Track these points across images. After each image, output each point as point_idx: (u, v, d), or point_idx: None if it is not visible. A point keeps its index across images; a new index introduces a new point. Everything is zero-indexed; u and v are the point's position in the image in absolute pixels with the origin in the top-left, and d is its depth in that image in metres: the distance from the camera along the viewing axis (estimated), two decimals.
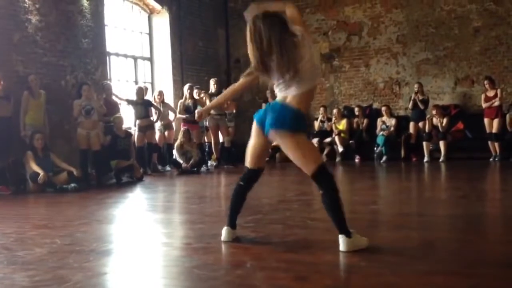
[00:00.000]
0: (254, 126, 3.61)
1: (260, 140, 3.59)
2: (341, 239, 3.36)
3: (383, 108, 11.76)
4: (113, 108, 9.75)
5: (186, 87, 11.05)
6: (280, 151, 11.64)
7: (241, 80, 3.91)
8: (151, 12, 12.31)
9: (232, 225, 3.81)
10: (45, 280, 2.98)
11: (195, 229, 4.47)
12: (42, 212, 6.21)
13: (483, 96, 10.64)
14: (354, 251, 3.32)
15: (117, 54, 11.29)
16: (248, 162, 3.70)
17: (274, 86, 3.56)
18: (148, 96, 10.98)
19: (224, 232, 3.79)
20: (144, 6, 12.15)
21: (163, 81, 12.22)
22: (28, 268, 3.24)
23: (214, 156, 11.34)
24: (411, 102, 11.33)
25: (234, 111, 12.16)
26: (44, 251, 3.72)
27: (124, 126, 9.69)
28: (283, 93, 3.48)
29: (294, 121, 3.39)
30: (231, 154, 11.21)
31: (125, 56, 11.61)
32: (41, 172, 7.76)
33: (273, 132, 3.42)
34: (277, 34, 3.37)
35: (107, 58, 10.73)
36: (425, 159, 10.78)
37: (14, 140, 8.18)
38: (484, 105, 10.56)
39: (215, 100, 4.75)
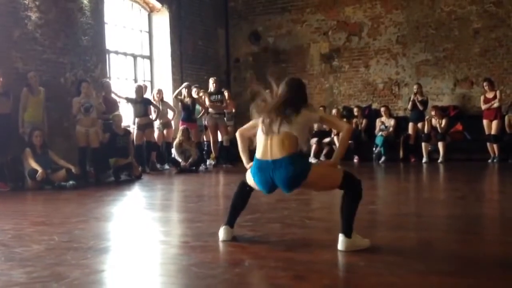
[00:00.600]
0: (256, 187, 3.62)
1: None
2: (341, 238, 3.38)
3: (382, 109, 11.76)
4: (112, 106, 9.74)
5: (184, 85, 11.06)
6: None
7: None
8: (151, 10, 12.30)
9: (231, 224, 3.81)
10: (43, 276, 2.98)
11: (193, 227, 4.47)
12: (40, 209, 6.20)
13: (482, 98, 10.64)
14: (353, 250, 3.32)
15: (116, 52, 11.28)
16: (249, 184, 3.73)
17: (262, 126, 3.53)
18: (147, 95, 10.97)
19: (223, 231, 3.79)
20: (144, 4, 12.14)
21: (162, 79, 12.21)
22: (26, 265, 3.24)
23: (213, 155, 11.34)
24: (410, 103, 11.33)
25: (233, 110, 12.16)
26: (42, 248, 3.71)
27: (123, 124, 9.68)
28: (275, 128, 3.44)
29: (303, 165, 3.44)
30: (230, 153, 11.19)
31: (125, 54, 11.59)
32: (40, 169, 7.75)
33: (308, 179, 3.43)
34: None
35: (107, 56, 10.72)
36: (424, 160, 10.78)
37: (13, 137, 8.17)
38: (483, 106, 10.56)
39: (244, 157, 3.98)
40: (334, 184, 3.50)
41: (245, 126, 3.86)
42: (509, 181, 8.02)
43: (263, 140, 3.48)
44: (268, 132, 3.45)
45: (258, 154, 3.51)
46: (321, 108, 10.48)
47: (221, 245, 3.70)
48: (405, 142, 11.25)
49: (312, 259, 3.24)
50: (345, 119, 12.03)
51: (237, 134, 3.92)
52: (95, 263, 3.30)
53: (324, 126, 12.05)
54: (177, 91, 11.13)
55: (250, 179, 3.67)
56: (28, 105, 8.31)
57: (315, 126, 12.10)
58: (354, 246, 3.36)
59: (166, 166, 10.87)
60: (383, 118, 11.65)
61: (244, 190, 3.79)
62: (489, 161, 10.34)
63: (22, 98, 8.27)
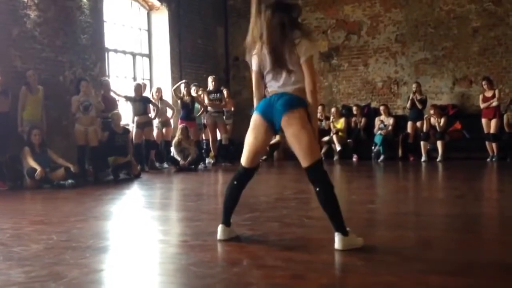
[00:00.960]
0: (257, 118, 3.55)
1: (261, 135, 3.55)
2: (337, 237, 3.36)
3: (381, 107, 11.77)
4: (111, 104, 9.73)
5: (182, 81, 11.05)
6: (278, 150, 11.71)
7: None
8: (150, 8, 12.29)
9: (226, 222, 3.78)
10: (41, 276, 2.98)
11: (192, 226, 4.47)
12: (39, 208, 6.20)
13: (481, 97, 10.65)
14: (351, 250, 3.32)
15: (115, 51, 11.27)
16: (244, 160, 3.65)
17: (268, 80, 3.55)
18: (147, 93, 10.97)
19: (219, 230, 3.78)
20: (143, 3, 12.12)
21: (161, 78, 12.20)
22: (24, 264, 3.24)
23: (212, 153, 11.34)
24: (409, 101, 11.34)
25: (232, 108, 12.16)
26: (41, 247, 3.71)
27: (122, 122, 9.68)
28: (280, 88, 3.48)
29: (304, 103, 3.42)
30: (229, 152, 11.20)
31: (124, 52, 11.58)
32: (38, 168, 7.74)
33: (288, 114, 3.38)
34: (284, 29, 3.40)
35: (106, 54, 10.71)
36: (423, 158, 10.79)
37: (11, 136, 8.16)
38: (482, 105, 10.57)
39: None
40: (311, 155, 3.38)
41: (255, 66, 3.65)
42: (508, 180, 8.03)
43: (272, 80, 3.52)
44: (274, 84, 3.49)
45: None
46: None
47: (219, 244, 3.69)
48: (404, 141, 11.26)
49: (311, 259, 3.24)
50: (344, 118, 12.05)
51: (253, 74, 3.69)
52: (93, 263, 3.30)
53: (323, 124, 12.08)
54: (175, 86, 11.10)
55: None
56: (26, 103, 8.31)
57: None
58: (351, 245, 3.35)
59: (165, 165, 10.87)
60: (382, 117, 11.66)
61: (233, 186, 3.73)
62: (488, 159, 10.35)
63: (20, 97, 8.27)
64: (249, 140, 3.60)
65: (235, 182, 3.72)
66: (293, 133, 3.40)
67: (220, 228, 3.78)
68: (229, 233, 3.77)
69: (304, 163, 3.41)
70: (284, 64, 3.41)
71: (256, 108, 3.59)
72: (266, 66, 3.52)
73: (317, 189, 3.40)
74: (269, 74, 3.53)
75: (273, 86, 3.54)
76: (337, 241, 3.35)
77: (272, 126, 3.51)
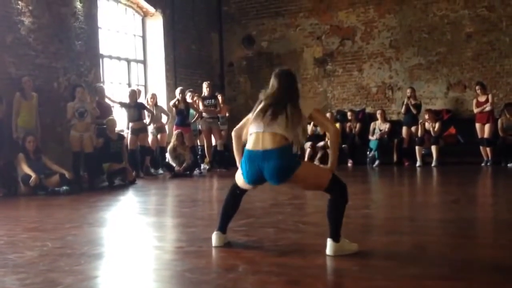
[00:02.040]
0: (244, 182, 3.65)
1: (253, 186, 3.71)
2: (329, 243, 3.40)
3: (378, 112, 11.78)
4: (106, 110, 9.71)
5: (178, 90, 11.03)
6: None
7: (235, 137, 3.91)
8: (144, 15, 12.30)
9: (223, 230, 3.79)
10: (36, 283, 2.97)
11: (187, 232, 4.46)
12: (33, 215, 6.17)
13: (474, 102, 10.69)
14: (346, 255, 3.33)
15: (110, 57, 11.26)
16: (240, 186, 3.75)
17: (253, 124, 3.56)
18: (141, 99, 10.96)
19: (214, 237, 3.78)
20: (137, 9, 12.14)
21: (156, 84, 12.20)
22: (19, 271, 3.22)
23: (207, 159, 11.33)
24: (403, 106, 11.37)
25: (226, 114, 12.16)
26: (35, 254, 3.70)
27: (117, 129, 9.66)
28: (266, 129, 3.47)
29: (293, 159, 3.45)
30: (224, 158, 11.19)
31: (118, 58, 11.58)
32: (33, 175, 7.72)
33: (286, 183, 3.51)
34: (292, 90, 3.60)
35: (100, 60, 10.70)
36: (418, 163, 10.81)
37: (6, 142, 8.13)
38: (475, 110, 10.62)
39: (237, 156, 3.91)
40: (321, 184, 3.50)
41: (239, 125, 3.85)
42: (502, 184, 8.06)
43: (255, 133, 3.51)
44: (259, 126, 3.48)
45: (249, 146, 3.53)
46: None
47: (215, 250, 3.69)
48: (399, 146, 11.28)
49: (306, 264, 3.24)
50: (339, 123, 12.07)
51: (233, 134, 3.90)
52: (88, 269, 3.29)
53: (319, 130, 12.10)
54: (173, 101, 10.99)
55: (239, 177, 3.68)
56: (21, 110, 8.28)
57: (309, 129, 12.15)
58: (342, 251, 3.38)
59: (160, 171, 10.86)
60: (378, 122, 11.68)
61: (235, 194, 3.78)
62: (482, 164, 10.38)
63: (14, 103, 8.25)
64: (241, 183, 3.71)
65: (238, 191, 3.77)
66: (298, 185, 3.62)
67: (216, 235, 3.78)
68: (224, 239, 3.79)
69: (321, 190, 3.53)
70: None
71: (242, 174, 3.62)
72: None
73: (331, 198, 3.49)
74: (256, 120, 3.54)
75: (256, 129, 3.52)
76: (328, 246, 3.40)
77: (262, 179, 3.55)
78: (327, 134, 11.57)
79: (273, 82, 3.63)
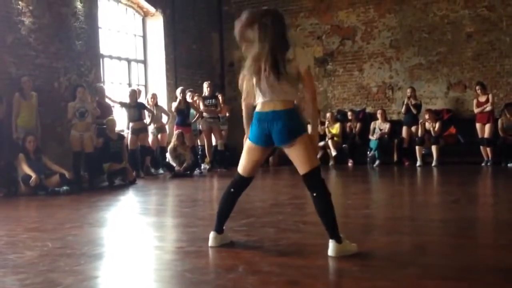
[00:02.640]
0: (251, 145, 3.58)
1: (259, 154, 3.60)
2: (331, 244, 3.38)
3: (379, 112, 11.77)
4: (106, 110, 9.72)
5: (178, 90, 11.03)
6: (273, 155, 11.70)
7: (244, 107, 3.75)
8: (145, 14, 12.30)
9: (219, 230, 3.78)
10: (36, 283, 2.97)
11: (187, 232, 4.46)
12: (34, 215, 6.17)
13: (475, 102, 10.69)
14: (348, 256, 3.33)
15: (110, 57, 11.26)
16: (242, 170, 3.68)
17: (259, 97, 3.52)
18: (142, 99, 10.96)
19: (210, 237, 3.78)
20: (138, 9, 12.13)
21: (156, 84, 12.20)
22: (19, 272, 3.22)
23: (207, 159, 11.33)
24: (404, 106, 11.36)
25: (227, 114, 12.16)
26: (35, 254, 3.70)
27: (117, 128, 9.66)
28: (272, 96, 3.45)
29: (301, 122, 3.47)
30: (224, 157, 11.20)
31: (119, 58, 11.58)
32: (33, 175, 7.72)
33: (290, 144, 3.43)
34: (279, 36, 3.44)
35: (101, 60, 10.70)
36: (418, 163, 10.81)
37: (6, 143, 8.14)
38: (475, 110, 10.61)
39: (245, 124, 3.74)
40: (309, 163, 3.41)
41: (244, 94, 3.69)
42: (502, 185, 8.06)
43: (261, 102, 3.50)
44: (265, 95, 3.46)
45: (258, 108, 3.54)
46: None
47: (215, 250, 3.69)
48: (399, 146, 11.28)
49: (306, 264, 3.24)
50: (339, 123, 12.07)
51: (242, 105, 3.73)
52: (88, 270, 3.29)
53: (319, 130, 12.09)
54: (176, 104, 10.96)
55: (246, 148, 3.63)
56: (20, 110, 8.28)
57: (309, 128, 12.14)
58: (345, 252, 3.36)
59: (161, 171, 10.86)
60: (379, 122, 11.68)
61: (229, 192, 3.74)
62: (483, 164, 10.38)
63: (14, 103, 8.25)
64: (248, 156, 3.63)
65: (232, 190, 3.73)
66: (293, 151, 3.47)
67: (211, 235, 3.78)
68: (220, 240, 3.78)
69: (301, 170, 3.44)
70: (280, 72, 3.39)
71: (249, 138, 3.60)
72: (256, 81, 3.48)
73: (314, 195, 3.42)
74: (259, 87, 3.49)
75: (263, 98, 3.49)
76: (331, 247, 3.37)
77: (268, 140, 3.51)
78: (328, 134, 11.69)
79: (257, 33, 3.45)
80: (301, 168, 3.44)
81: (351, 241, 3.48)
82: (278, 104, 3.45)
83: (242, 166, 3.67)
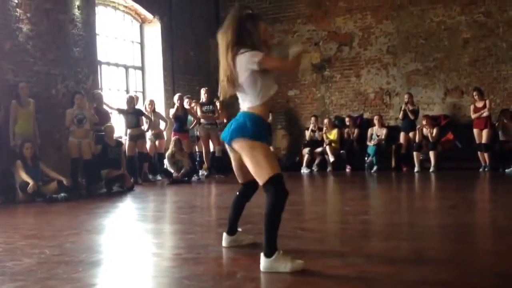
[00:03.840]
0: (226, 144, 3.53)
1: (235, 154, 3.53)
2: (261, 258, 3.22)
3: (376, 117, 11.79)
4: (104, 117, 9.72)
5: (176, 96, 11.04)
6: None
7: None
8: (142, 21, 12.32)
9: (228, 231, 3.90)
10: None
11: (185, 239, 4.45)
12: (31, 222, 6.16)
13: (472, 107, 10.72)
14: (346, 262, 3.32)
15: (108, 63, 11.27)
16: (237, 177, 3.77)
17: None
18: (139, 105, 10.96)
19: (223, 237, 3.91)
20: (135, 16, 12.16)
21: (154, 90, 12.21)
22: (17, 279, 3.21)
23: (205, 165, 11.33)
24: (401, 112, 11.38)
25: (225, 120, 12.15)
26: (33, 261, 3.69)
27: (115, 135, 9.66)
28: (242, 105, 3.43)
29: (255, 127, 3.26)
30: (222, 164, 11.18)
31: (117, 65, 11.59)
32: (31, 182, 7.70)
33: (233, 142, 3.31)
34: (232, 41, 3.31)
35: (98, 67, 10.70)
36: (416, 169, 10.82)
37: (3, 149, 8.12)
38: (473, 116, 10.64)
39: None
40: (257, 175, 3.23)
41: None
42: (500, 190, 8.06)
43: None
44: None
45: (259, 111, 3.40)
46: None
47: (213, 257, 3.69)
48: (397, 152, 11.29)
49: (304, 270, 3.23)
50: (337, 129, 12.08)
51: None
52: (86, 277, 3.28)
53: (317, 135, 12.10)
54: (173, 110, 10.98)
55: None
56: (18, 117, 8.27)
57: (307, 135, 12.16)
58: (273, 268, 3.14)
59: (159, 177, 10.85)
60: (376, 128, 11.69)
61: (236, 196, 3.87)
62: (480, 170, 10.40)
63: (11, 111, 8.24)
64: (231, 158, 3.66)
65: (237, 193, 3.85)
66: (243, 159, 3.33)
67: (223, 236, 3.91)
68: (230, 241, 3.89)
69: (260, 182, 3.26)
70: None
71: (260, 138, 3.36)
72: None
73: (268, 202, 3.22)
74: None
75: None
76: (261, 261, 3.21)
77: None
78: (325, 140, 11.69)
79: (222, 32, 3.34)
80: (259, 180, 3.26)
81: (350, 247, 3.47)
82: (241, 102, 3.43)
83: (236, 173, 3.73)
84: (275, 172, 3.19)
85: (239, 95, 3.42)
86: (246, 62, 3.26)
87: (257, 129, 3.26)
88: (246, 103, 3.36)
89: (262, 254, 3.22)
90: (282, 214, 3.23)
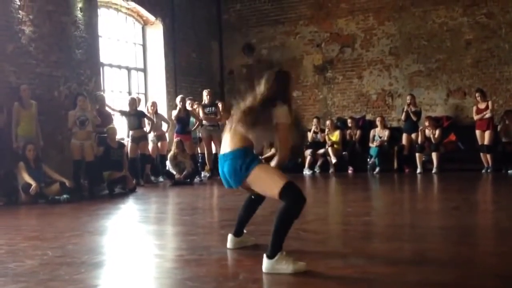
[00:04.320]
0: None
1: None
2: (264, 258, 3.24)
3: (378, 119, 11.78)
4: (106, 119, 9.73)
5: (178, 98, 11.05)
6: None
7: None
8: (145, 23, 12.34)
9: (235, 233, 3.91)
10: None
11: (187, 240, 4.45)
12: (34, 224, 6.17)
13: (474, 108, 10.70)
14: (348, 263, 3.32)
15: (110, 65, 11.29)
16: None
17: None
18: (141, 107, 10.97)
19: (228, 239, 3.91)
20: (138, 18, 12.18)
21: (156, 92, 12.22)
22: (19, 280, 3.22)
23: (207, 167, 11.33)
24: (403, 113, 11.37)
25: (226, 122, 12.15)
26: (35, 263, 3.69)
27: (117, 137, 9.67)
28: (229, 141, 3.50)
29: (243, 160, 3.35)
30: None
31: (119, 67, 11.61)
32: (33, 183, 7.71)
33: (242, 185, 3.42)
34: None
35: (101, 69, 10.72)
36: (418, 170, 10.81)
37: (6, 151, 8.14)
38: (475, 117, 10.62)
39: None
40: (271, 192, 3.30)
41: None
42: (502, 191, 8.05)
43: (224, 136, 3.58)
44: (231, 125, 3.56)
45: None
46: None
47: (215, 258, 3.69)
48: (399, 153, 11.28)
49: (306, 272, 3.23)
50: (339, 130, 12.08)
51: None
52: (89, 278, 3.28)
53: (319, 137, 12.11)
54: (176, 112, 11.01)
55: None
56: (20, 119, 8.29)
57: (309, 136, 12.15)
58: (275, 269, 3.17)
59: (161, 179, 10.85)
60: (378, 129, 11.69)
61: (248, 199, 3.90)
62: (483, 171, 10.38)
63: (14, 113, 8.25)
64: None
65: (251, 196, 3.87)
66: (255, 189, 3.46)
67: (228, 237, 3.91)
68: (236, 243, 3.89)
69: (276, 196, 3.28)
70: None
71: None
72: None
73: (283, 205, 3.25)
74: None
75: None
76: (264, 262, 3.23)
77: None
78: (328, 141, 11.68)
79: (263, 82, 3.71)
80: (275, 195, 3.27)
81: (349, 249, 3.47)
82: (228, 142, 3.57)
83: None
84: (285, 181, 3.24)
85: (234, 131, 3.55)
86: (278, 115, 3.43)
87: (246, 160, 3.36)
88: (235, 140, 3.47)
89: (264, 256, 3.23)
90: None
